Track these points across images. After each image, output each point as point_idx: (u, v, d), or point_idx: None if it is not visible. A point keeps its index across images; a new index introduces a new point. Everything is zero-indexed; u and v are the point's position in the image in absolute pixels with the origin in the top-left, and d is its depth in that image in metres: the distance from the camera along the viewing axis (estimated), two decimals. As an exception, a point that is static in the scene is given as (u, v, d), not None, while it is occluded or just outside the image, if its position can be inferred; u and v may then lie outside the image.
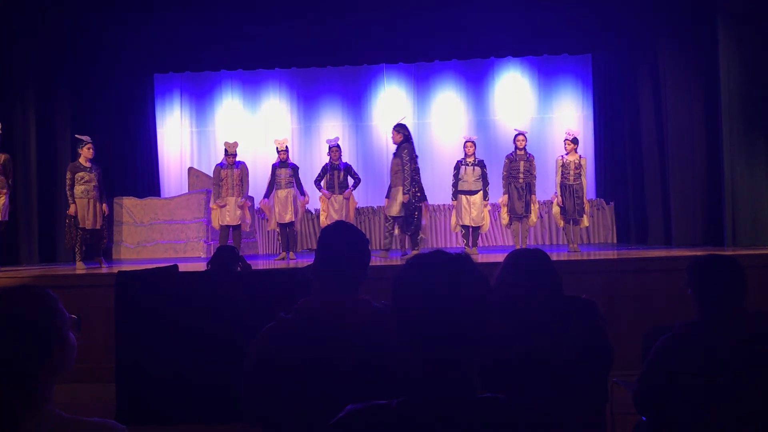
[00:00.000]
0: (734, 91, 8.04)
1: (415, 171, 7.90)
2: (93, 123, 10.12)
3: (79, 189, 7.88)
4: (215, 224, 9.02)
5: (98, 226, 8.06)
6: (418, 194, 7.97)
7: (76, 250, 7.94)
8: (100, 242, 8.18)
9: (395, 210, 8.02)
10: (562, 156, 8.60)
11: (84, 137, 8.09)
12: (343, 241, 2.05)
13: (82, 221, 7.88)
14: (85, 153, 7.96)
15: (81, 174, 7.90)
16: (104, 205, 8.15)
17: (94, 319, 5.87)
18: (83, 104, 10.21)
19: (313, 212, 10.66)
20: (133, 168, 11.06)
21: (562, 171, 8.49)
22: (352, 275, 2.01)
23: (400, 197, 7.91)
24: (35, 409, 1.47)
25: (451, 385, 1.29)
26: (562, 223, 8.66)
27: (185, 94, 12.01)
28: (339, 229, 2.11)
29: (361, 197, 9.06)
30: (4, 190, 7.47)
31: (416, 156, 8.08)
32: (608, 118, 10.83)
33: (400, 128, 8.04)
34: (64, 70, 9.82)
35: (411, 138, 8.10)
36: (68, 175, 7.93)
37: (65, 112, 9.90)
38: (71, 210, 7.86)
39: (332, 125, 11.69)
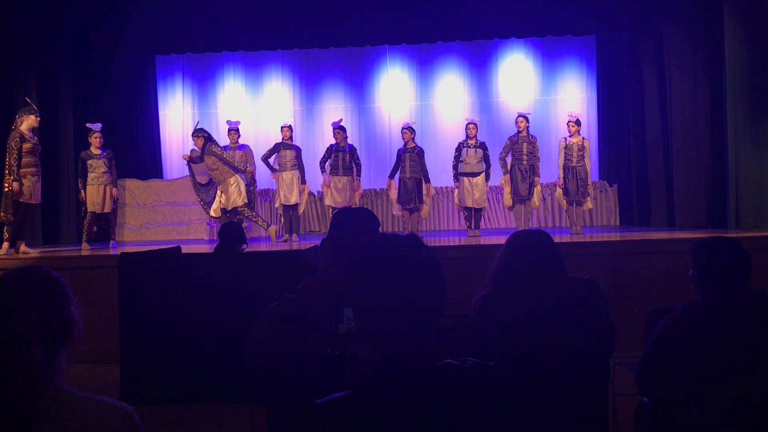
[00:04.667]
0: (739, 71, 7.95)
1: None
2: (95, 104, 10.11)
3: (90, 176, 8.27)
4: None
5: (108, 210, 8.36)
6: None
7: (84, 231, 8.26)
8: (108, 226, 8.38)
9: (239, 200, 8.54)
10: (565, 138, 8.57)
11: (94, 126, 8.42)
12: (354, 222, 2.08)
13: (92, 206, 8.23)
14: (94, 142, 8.34)
15: (91, 162, 8.29)
16: (114, 189, 8.41)
17: (98, 300, 5.91)
18: (85, 86, 10.18)
19: (316, 194, 10.65)
20: (136, 150, 11.03)
21: (565, 153, 8.46)
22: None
23: (241, 186, 8.54)
24: (47, 385, 1.47)
25: (408, 366, 1.29)
26: (565, 205, 8.64)
27: (187, 75, 11.92)
28: (352, 211, 2.26)
29: (363, 180, 9.06)
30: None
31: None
32: (612, 100, 10.76)
33: (199, 132, 8.78)
34: (65, 52, 9.75)
35: (212, 137, 8.84)
36: (80, 163, 8.37)
37: (67, 94, 9.87)
38: (81, 195, 8.30)
39: (335, 107, 11.63)
